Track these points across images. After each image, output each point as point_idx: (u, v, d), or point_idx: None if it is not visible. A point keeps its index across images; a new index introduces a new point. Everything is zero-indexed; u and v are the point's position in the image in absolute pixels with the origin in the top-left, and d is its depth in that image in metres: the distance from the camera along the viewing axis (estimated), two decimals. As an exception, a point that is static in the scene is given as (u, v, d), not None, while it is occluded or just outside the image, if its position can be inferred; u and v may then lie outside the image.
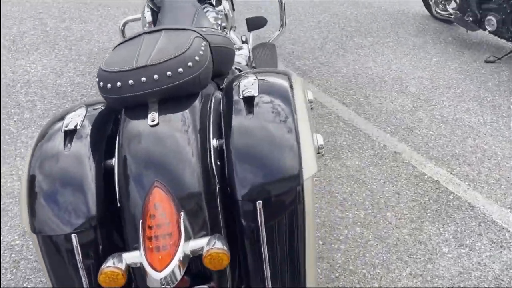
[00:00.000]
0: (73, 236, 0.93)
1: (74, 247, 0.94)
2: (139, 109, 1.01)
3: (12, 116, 2.26)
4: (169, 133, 0.98)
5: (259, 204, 0.96)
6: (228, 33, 1.92)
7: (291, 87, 1.13)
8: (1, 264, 1.52)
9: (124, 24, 2.22)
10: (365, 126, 2.30)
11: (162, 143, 0.96)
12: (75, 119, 1.05)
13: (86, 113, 1.06)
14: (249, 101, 1.04)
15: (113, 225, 0.99)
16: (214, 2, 1.82)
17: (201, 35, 1.16)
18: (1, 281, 1.46)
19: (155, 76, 0.97)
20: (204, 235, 0.96)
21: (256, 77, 1.14)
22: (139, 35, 1.15)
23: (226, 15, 1.82)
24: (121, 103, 1.01)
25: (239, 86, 1.11)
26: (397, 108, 2.47)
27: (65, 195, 0.95)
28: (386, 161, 2.06)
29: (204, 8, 1.74)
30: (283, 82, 1.14)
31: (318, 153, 1.07)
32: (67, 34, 3.17)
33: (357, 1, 4.05)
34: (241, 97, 1.06)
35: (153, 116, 0.99)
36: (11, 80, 2.56)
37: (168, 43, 1.07)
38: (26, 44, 2.99)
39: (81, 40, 3.10)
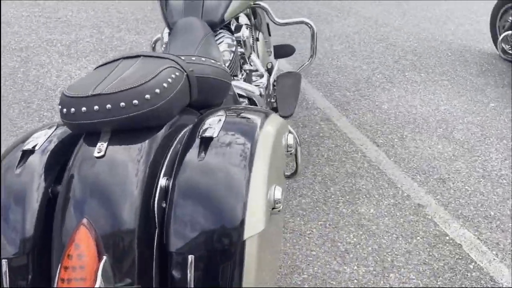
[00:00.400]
0: (3, 261, 0.91)
1: (3, 274, 0.91)
2: (94, 137, 0.98)
3: (43, 119, 2.36)
4: (114, 167, 0.92)
5: (191, 258, 0.87)
6: (247, 60, 1.85)
7: (261, 130, 1.04)
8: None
9: (155, 42, 2.24)
10: (392, 171, 2.11)
11: (102, 177, 0.91)
12: (38, 138, 1.03)
13: (52, 133, 1.05)
14: (206, 143, 0.97)
15: (49, 255, 0.95)
16: (233, 28, 1.77)
17: (180, 64, 1.10)
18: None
19: (108, 106, 0.93)
20: (129, 284, 0.89)
21: (225, 116, 1.06)
22: (118, 59, 1.12)
23: (245, 42, 1.75)
24: (76, 129, 0.98)
25: (203, 124, 1.04)
26: (434, 155, 2.24)
27: (5, 217, 0.93)
28: (405, 214, 1.86)
29: (219, 33, 1.70)
30: (252, 125, 1.05)
31: (273, 209, 0.97)
32: (118, 44, 3.29)
33: (420, 33, 3.82)
34: (198, 137, 0.99)
35: (100, 147, 0.94)
36: (53, 84, 2.69)
37: (137, 71, 1.02)
38: (78, 51, 3.15)
39: (130, 51, 3.20)
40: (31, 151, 0.99)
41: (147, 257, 0.91)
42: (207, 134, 0.98)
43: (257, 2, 2.04)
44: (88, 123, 0.94)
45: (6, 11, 3.74)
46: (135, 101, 0.94)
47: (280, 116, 1.97)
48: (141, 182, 0.92)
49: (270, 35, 2.39)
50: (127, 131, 0.98)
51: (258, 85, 1.83)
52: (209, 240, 0.87)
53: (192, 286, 0.87)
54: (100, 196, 0.90)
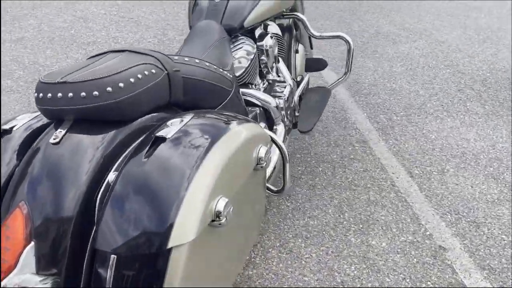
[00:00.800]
0: None
1: None
2: (59, 124, 1.00)
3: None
4: (65, 156, 0.93)
5: (112, 258, 0.85)
6: (269, 70, 1.81)
7: (222, 137, 1.00)
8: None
9: None
10: (419, 206, 1.93)
11: (51, 164, 0.92)
12: (21, 120, 1.08)
13: (34, 117, 1.09)
14: (158, 142, 0.95)
15: None
16: (257, 35, 1.73)
17: (161, 62, 1.09)
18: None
19: (70, 94, 0.94)
20: (54, 274, 0.89)
21: (191, 118, 1.03)
22: (106, 52, 1.14)
23: (267, 51, 1.71)
24: (44, 114, 1.01)
25: (165, 124, 1.02)
26: (475, 195, 2.01)
27: None
28: (421, 254, 1.68)
29: (240, 39, 1.67)
30: (213, 131, 1.00)
31: (213, 221, 0.91)
32: (177, 47, 3.41)
33: (496, 63, 3.49)
34: (152, 136, 0.97)
35: (57, 134, 0.96)
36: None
37: (112, 64, 1.03)
38: (138, 49, 3.31)
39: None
40: (8, 131, 1.04)
41: (79, 250, 0.90)
42: (161, 133, 0.95)
43: (295, 13, 1.99)
44: (52, 109, 0.96)
45: (87, 7, 4.06)
46: (96, 93, 0.94)
47: (299, 131, 1.89)
48: (89, 174, 0.92)
49: (312, 48, 2.32)
50: (90, 121, 0.99)
51: (279, 96, 1.77)
52: (133, 243, 0.84)
53: (111, 286, 0.85)
54: (44, 182, 0.90)
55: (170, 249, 0.84)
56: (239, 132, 1.05)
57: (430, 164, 2.22)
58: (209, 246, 0.94)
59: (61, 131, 0.96)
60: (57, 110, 0.96)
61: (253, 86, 1.72)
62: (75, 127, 0.98)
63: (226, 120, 1.06)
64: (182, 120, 1.01)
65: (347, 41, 1.96)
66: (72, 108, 0.95)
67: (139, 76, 1.01)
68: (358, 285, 1.54)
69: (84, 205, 0.90)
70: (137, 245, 0.84)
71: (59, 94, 0.95)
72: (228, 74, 1.39)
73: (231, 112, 1.16)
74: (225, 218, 0.92)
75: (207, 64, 1.28)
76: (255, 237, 1.23)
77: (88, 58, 1.12)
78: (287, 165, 1.30)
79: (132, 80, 0.99)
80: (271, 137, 1.29)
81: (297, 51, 2.22)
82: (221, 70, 1.33)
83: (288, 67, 2.09)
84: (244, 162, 1.04)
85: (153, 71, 1.05)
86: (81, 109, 0.95)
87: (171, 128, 0.98)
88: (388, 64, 3.35)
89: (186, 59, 1.24)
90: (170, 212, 0.84)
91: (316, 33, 2.01)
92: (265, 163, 1.11)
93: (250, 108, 1.65)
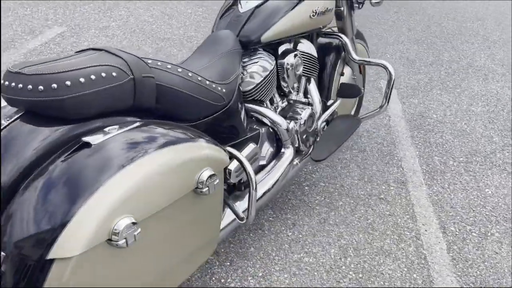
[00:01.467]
0: None
1: None
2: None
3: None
4: (4, 145, 0.96)
5: (2, 256, 0.85)
6: (291, 89, 1.70)
7: (151, 153, 0.95)
8: None
9: None
10: (440, 268, 1.67)
11: None
12: None
13: None
14: (82, 147, 0.93)
15: None
16: (280, 51, 1.64)
17: (130, 66, 1.07)
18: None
19: (20, 86, 0.97)
20: None
21: (131, 127, 0.99)
22: (88, 49, 1.15)
23: (287, 70, 1.61)
24: (6, 102, 1.05)
25: (103, 129, 0.99)
26: (516, 271, 1.69)
27: None
28: (419, 325, 1.45)
29: (258, 53, 1.59)
30: (149, 144, 0.96)
31: (110, 240, 0.86)
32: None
33: None
34: (80, 140, 0.95)
35: (3, 123, 0.99)
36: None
37: (75, 62, 1.03)
38: (207, 50, 3.37)
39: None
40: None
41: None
42: (88, 139, 0.93)
43: (337, 33, 1.86)
44: (8, 97, 0.99)
45: (176, 5, 4.25)
46: (41, 87, 0.95)
47: (311, 159, 1.75)
48: (18, 166, 0.93)
49: (361, 73, 2.15)
50: (38, 115, 1.00)
51: (295, 119, 1.66)
52: (20, 245, 0.82)
53: (-6, 283, 0.84)
54: None
55: (52, 260, 0.81)
56: (180, 150, 0.99)
57: (473, 223, 1.92)
58: (111, 266, 0.89)
59: (8, 120, 0.99)
60: (11, 99, 0.98)
61: (267, 104, 1.63)
62: (22, 118, 0.99)
63: (172, 135, 1.01)
64: (120, 128, 0.98)
65: (388, 71, 1.78)
66: (18, 99, 0.96)
67: (93, 77, 0.99)
68: None
69: (10, 194, 0.91)
70: (23, 248, 0.82)
71: (13, 84, 0.97)
72: (220, 88, 1.32)
73: (194, 129, 1.10)
74: (124, 240, 0.86)
75: (190, 74, 1.23)
76: (198, 262, 1.15)
77: (76, 52, 1.13)
78: (254, 193, 1.20)
79: (82, 80, 0.97)
80: (240, 161, 1.21)
81: (342, 74, 2.07)
82: (208, 83, 1.27)
83: (328, 89, 1.96)
84: (176, 183, 0.98)
85: (114, 74, 1.03)
86: (27, 101, 0.95)
87: (104, 134, 0.95)
88: (467, 102, 3.00)
89: (169, 66, 1.20)
90: (59, 222, 0.81)
91: (356, 58, 1.85)
92: (207, 188, 1.03)
93: (254, 126, 1.56)
